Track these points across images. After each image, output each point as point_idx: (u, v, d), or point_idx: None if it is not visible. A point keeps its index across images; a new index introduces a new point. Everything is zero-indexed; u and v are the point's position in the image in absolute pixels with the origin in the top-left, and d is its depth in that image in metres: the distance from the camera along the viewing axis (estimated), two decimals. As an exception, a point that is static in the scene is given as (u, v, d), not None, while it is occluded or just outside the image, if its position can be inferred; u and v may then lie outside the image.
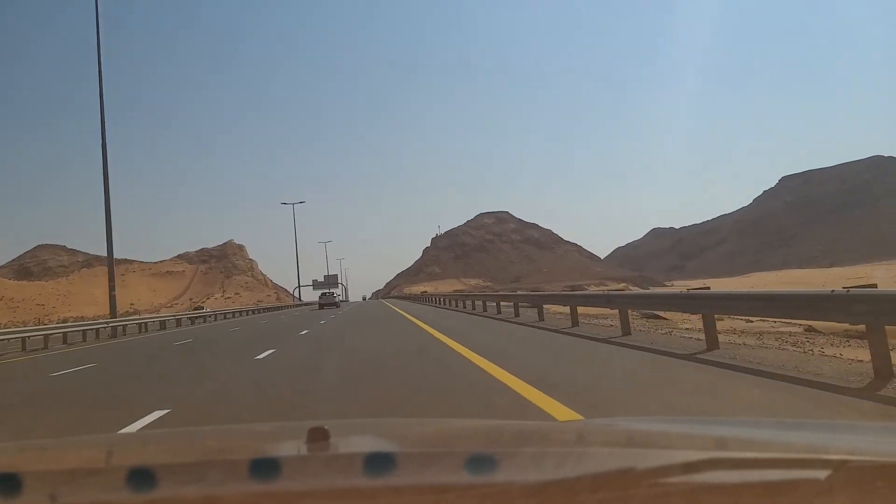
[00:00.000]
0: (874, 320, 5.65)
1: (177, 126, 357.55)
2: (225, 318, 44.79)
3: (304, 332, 18.17)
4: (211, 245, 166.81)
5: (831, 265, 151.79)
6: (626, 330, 10.99)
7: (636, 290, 75.12)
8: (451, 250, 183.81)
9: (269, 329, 22.83)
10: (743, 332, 10.99)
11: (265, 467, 0.99)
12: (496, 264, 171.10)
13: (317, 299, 63.32)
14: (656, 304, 12.09)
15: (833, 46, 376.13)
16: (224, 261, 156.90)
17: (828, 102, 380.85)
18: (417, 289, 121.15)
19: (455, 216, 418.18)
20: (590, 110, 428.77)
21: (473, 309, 27.11)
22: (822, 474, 0.83)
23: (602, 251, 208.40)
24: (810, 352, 8.03)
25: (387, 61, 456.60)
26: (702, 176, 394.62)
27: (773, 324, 12.33)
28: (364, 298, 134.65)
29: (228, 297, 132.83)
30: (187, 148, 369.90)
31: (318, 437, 1.14)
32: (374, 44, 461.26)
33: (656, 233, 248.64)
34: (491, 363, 7.73)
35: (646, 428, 1.64)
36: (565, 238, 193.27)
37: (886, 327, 5.66)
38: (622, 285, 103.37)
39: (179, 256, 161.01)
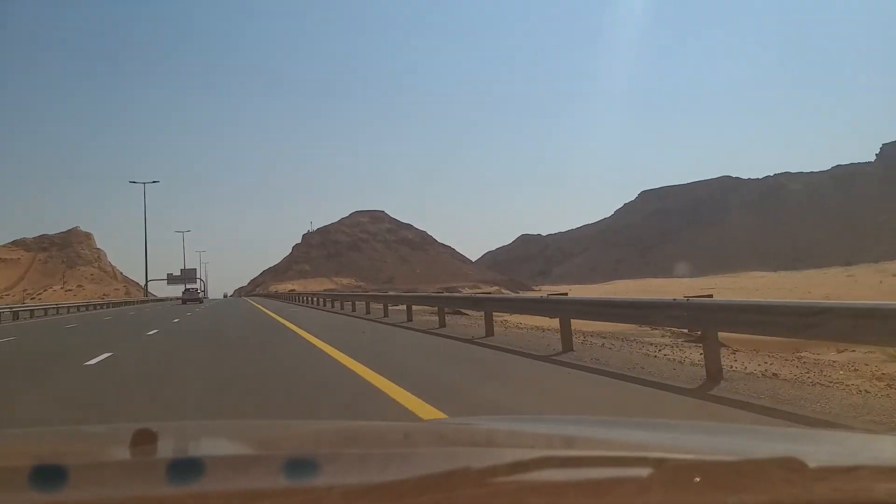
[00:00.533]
0: (707, 327, 6.30)
1: (17, 90, 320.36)
2: (58, 312, 39.51)
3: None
4: (53, 231, 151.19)
5: (684, 276, 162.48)
6: (490, 331, 11.76)
7: (507, 293, 75.64)
8: (323, 248, 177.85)
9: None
10: (610, 336, 11.33)
11: (50, 475, 0.92)
12: (369, 264, 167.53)
13: (171, 295, 68.58)
14: (519, 307, 13.03)
15: (687, 76, 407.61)
16: (67, 249, 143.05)
17: (682, 124, 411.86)
18: (285, 287, 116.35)
19: (329, 213, 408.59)
20: (465, 116, 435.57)
21: (342, 309, 27.01)
22: (643, 472, 0.85)
23: (473, 254, 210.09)
24: (654, 355, 8.42)
25: (265, 49, 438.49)
26: (568, 186, 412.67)
27: (645, 329, 12.68)
28: (225, 295, 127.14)
29: (70, 290, 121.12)
30: (30, 120, 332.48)
31: (143, 440, 1.09)
32: (254, 27, 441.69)
33: (524, 239, 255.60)
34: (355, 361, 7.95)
35: (477, 427, 1.67)
36: (439, 240, 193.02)
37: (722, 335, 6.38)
38: (494, 288, 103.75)
39: (15, 242, 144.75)
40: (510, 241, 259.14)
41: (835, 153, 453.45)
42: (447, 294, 21.90)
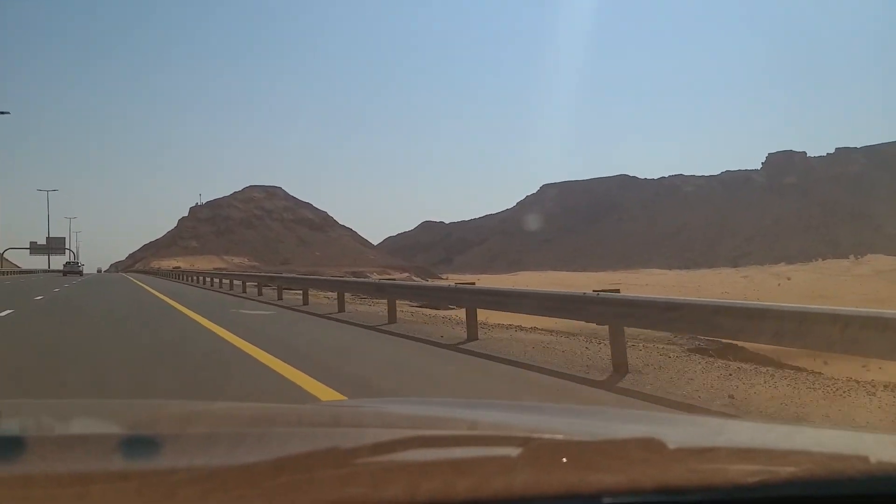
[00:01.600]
0: (615, 321, 6.46)
1: None
2: None
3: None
4: None
5: (584, 269, 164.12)
6: (393, 318, 11.51)
7: (418, 280, 70.83)
8: (212, 223, 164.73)
9: None
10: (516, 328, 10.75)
11: None
12: (264, 243, 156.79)
13: (36, 267, 70.28)
14: (426, 295, 13.35)
15: (591, 76, 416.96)
16: None
17: (582, 122, 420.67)
18: (168, 264, 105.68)
19: (220, 186, 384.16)
20: (370, 96, 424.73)
21: (231, 289, 25.84)
22: (509, 451, 0.87)
23: (374, 239, 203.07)
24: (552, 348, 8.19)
25: (163, 10, 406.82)
26: (471, 175, 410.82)
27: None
28: (99, 270, 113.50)
29: None
30: None
31: None
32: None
33: (426, 226, 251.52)
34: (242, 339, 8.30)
35: (346, 409, 1.71)
36: (340, 222, 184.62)
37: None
38: (405, 275, 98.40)
39: None
40: (412, 227, 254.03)
41: (724, 159, 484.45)
42: (352, 279, 21.26)
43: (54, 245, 78.85)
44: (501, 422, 1.44)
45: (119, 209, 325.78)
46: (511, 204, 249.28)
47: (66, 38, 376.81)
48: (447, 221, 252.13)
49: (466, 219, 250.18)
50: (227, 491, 0.76)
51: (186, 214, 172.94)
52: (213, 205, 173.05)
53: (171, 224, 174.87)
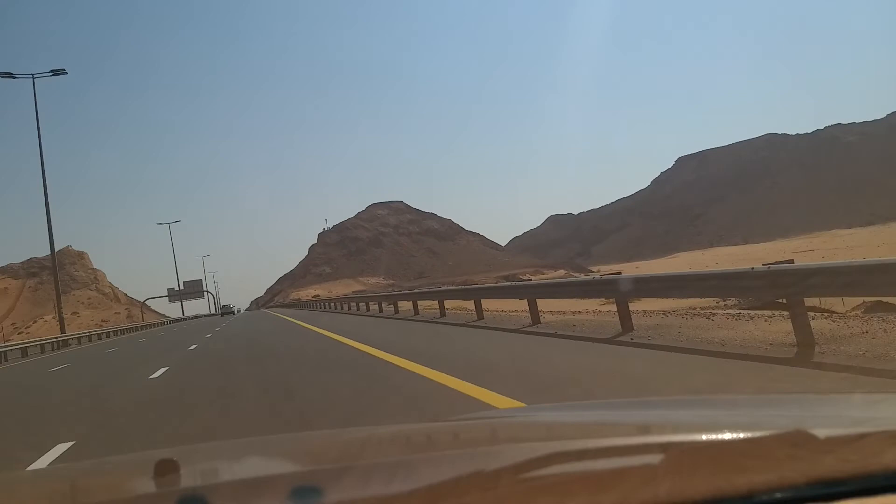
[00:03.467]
0: (795, 293, 5.92)
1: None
2: (42, 350, 29.38)
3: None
4: (42, 254, 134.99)
5: (745, 242, 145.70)
6: (536, 319, 11.22)
7: (581, 276, 59.41)
8: (342, 246, 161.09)
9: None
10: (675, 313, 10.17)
11: None
12: (395, 259, 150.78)
13: (170, 314, 77.18)
14: (570, 292, 11.68)
15: (717, 29, 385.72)
16: (59, 272, 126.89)
17: (720, 85, 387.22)
18: (307, 293, 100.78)
19: (343, 209, 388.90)
20: (480, 97, 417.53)
21: (380, 312, 24.12)
22: (651, 459, 0.84)
23: (501, 240, 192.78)
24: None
25: (257, 47, 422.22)
26: (596, 160, 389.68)
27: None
28: (233, 310, 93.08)
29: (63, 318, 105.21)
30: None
31: (165, 470, 1.09)
32: (244, 25, 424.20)
33: (554, 220, 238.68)
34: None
35: (479, 423, 1.69)
36: (466, 228, 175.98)
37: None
38: (561, 272, 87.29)
39: (1, 269, 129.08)
40: (539, 224, 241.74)
41: (889, 100, 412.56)
42: (519, 283, 19.07)
43: (191, 289, 74.33)
44: (643, 422, 1.39)
45: (250, 246, 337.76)
46: (645, 183, 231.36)
47: (200, 107, 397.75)
48: (576, 213, 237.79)
49: (596, 206, 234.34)
50: None
51: (316, 241, 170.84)
52: (340, 228, 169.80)
53: (302, 253, 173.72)
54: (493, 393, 5.11)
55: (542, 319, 11.19)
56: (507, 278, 65.61)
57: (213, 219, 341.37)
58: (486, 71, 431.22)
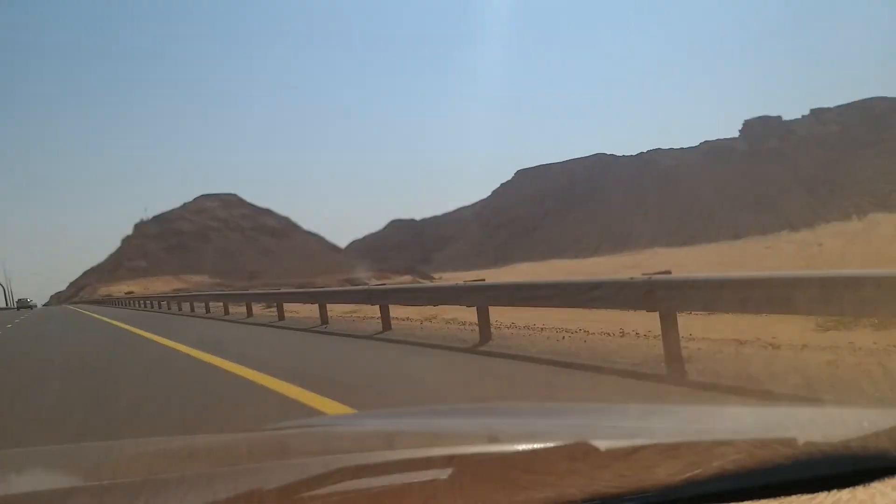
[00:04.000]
0: (668, 306, 5.84)
1: None
2: None
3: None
4: None
5: (577, 256, 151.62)
6: (387, 326, 11.26)
7: (425, 282, 57.03)
8: (162, 239, 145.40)
9: None
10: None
11: None
12: (224, 256, 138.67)
13: None
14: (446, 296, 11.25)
15: (560, 60, 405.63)
16: None
17: (553, 104, 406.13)
18: (119, 289, 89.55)
19: (168, 198, 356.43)
20: (320, 94, 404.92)
21: (207, 313, 23.19)
22: (435, 474, 0.83)
23: (340, 242, 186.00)
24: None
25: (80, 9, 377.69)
26: (439, 167, 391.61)
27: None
28: (31, 304, 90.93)
29: None
30: None
31: None
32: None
33: (396, 224, 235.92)
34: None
35: (292, 431, 1.67)
36: (304, 227, 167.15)
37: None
38: (406, 278, 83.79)
39: None
40: (380, 228, 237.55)
41: (702, 130, 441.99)
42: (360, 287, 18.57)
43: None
44: (442, 431, 1.36)
45: (50, 233, 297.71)
46: (486, 193, 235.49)
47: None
48: (418, 218, 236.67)
49: (438, 213, 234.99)
50: None
51: (131, 232, 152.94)
52: (162, 219, 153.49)
53: (115, 244, 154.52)
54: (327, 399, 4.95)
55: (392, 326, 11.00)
56: (350, 282, 61.95)
57: (2, 203, 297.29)
58: (329, 67, 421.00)
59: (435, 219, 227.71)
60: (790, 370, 5.03)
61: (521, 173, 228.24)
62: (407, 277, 79.62)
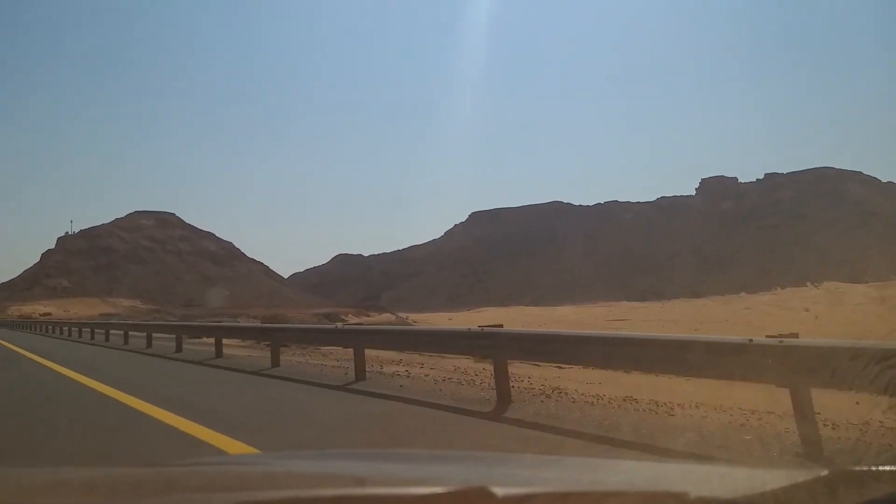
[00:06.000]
0: (498, 354, 6.66)
1: None
2: None
3: None
4: None
5: (535, 304, 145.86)
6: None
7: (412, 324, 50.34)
8: (89, 256, 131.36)
9: None
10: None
11: None
12: (159, 280, 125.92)
13: None
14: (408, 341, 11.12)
15: (523, 107, 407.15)
16: None
17: (512, 148, 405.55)
18: (34, 310, 77.63)
19: (97, 212, 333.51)
20: (271, 117, 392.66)
21: (125, 343, 19.69)
22: None
23: (283, 273, 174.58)
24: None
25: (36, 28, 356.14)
26: (389, 205, 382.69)
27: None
28: None
29: None
30: None
31: None
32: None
33: (342, 259, 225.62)
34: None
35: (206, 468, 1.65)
36: (248, 255, 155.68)
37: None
38: (385, 316, 75.67)
39: None
40: (325, 261, 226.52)
41: (659, 185, 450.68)
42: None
43: None
44: (337, 473, 1.38)
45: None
46: (439, 233, 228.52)
47: None
48: (366, 254, 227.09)
49: (388, 251, 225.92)
50: None
51: (53, 246, 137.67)
52: (90, 234, 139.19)
53: (33, 258, 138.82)
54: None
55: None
56: (328, 317, 57.79)
57: None
58: (284, 92, 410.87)
59: (384, 256, 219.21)
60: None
61: (475, 215, 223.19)
62: (387, 316, 70.87)
